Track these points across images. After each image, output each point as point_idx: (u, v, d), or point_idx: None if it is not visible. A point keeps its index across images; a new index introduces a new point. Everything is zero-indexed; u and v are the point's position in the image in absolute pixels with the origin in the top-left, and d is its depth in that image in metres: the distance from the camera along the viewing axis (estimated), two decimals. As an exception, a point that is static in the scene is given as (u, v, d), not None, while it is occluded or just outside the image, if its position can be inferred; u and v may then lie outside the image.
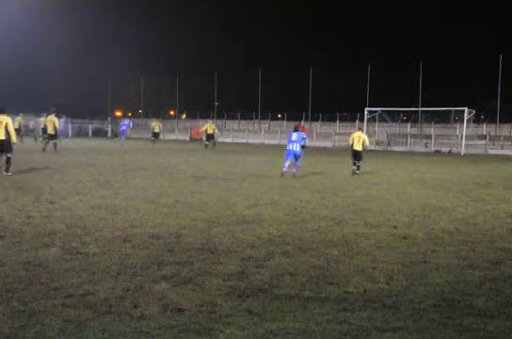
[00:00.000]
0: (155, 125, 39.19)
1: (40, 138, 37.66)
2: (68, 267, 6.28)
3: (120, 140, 40.71)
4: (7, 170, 16.07)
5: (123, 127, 44.02)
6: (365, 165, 20.92)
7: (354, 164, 19.84)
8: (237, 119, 65.60)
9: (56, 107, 27.76)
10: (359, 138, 20.00)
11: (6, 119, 16.08)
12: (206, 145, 36.23)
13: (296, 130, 18.96)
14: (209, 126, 37.41)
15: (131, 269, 6.26)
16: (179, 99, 70.74)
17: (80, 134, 59.06)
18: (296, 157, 18.23)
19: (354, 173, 19.42)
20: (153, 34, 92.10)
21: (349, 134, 23.77)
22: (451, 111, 46.49)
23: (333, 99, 60.88)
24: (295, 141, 18.28)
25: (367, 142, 20.46)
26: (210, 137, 37.00)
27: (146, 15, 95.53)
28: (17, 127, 33.87)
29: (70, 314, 4.83)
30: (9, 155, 16.18)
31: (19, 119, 38.08)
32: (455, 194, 14.09)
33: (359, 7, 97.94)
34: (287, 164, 17.95)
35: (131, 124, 47.10)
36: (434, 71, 54.03)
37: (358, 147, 19.89)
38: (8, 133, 16.02)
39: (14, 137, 16.40)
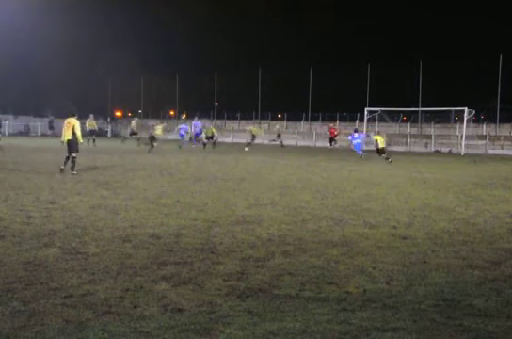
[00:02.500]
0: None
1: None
2: (68, 267, 6.28)
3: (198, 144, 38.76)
4: (72, 169, 17.01)
5: (198, 130, 39.86)
6: (364, 165, 22.30)
7: (381, 156, 26.11)
8: (237, 119, 65.50)
9: (56, 108, 28.43)
10: (381, 139, 26.84)
11: (73, 121, 17.48)
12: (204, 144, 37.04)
13: (355, 131, 29.95)
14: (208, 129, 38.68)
15: (131, 269, 6.26)
16: (179, 99, 70.72)
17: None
18: (358, 149, 29.00)
19: (386, 160, 25.49)
20: (153, 34, 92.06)
21: (349, 134, 32.05)
22: (451, 111, 46.27)
23: (333, 99, 60.79)
24: (357, 138, 29.15)
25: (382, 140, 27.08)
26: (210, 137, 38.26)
27: (146, 15, 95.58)
28: (94, 128, 37.06)
29: (70, 314, 4.83)
30: (74, 155, 17.22)
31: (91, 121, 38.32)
32: (455, 194, 14.08)
33: (358, 6, 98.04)
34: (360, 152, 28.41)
35: (200, 124, 40.99)
36: (434, 70, 53.96)
37: (382, 145, 26.58)
38: (74, 134, 17.31)
39: (80, 138, 17.60)
